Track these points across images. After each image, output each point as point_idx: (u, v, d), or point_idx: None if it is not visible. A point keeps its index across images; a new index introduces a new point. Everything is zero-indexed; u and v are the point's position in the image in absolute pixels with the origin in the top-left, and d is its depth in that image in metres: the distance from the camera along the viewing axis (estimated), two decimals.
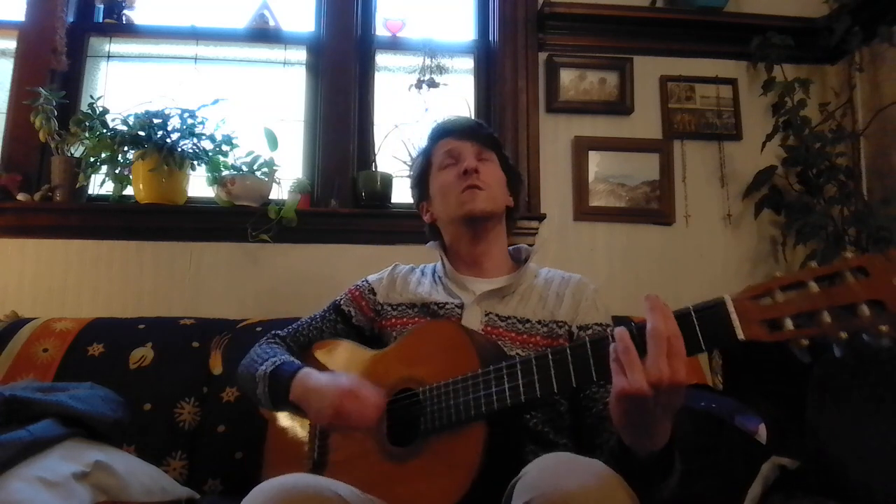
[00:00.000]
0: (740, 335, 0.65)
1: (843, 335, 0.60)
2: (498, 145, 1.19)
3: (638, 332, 0.68)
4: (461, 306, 1.07)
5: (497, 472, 0.77)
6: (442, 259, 1.15)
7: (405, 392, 0.91)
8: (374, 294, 1.17)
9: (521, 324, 1.04)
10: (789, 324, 0.63)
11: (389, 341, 1.07)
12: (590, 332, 1.03)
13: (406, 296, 1.13)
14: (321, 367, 1.06)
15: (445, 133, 1.16)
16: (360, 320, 1.16)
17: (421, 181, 1.19)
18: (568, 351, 0.76)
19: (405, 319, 1.09)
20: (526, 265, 1.11)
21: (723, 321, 0.66)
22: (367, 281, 1.20)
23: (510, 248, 1.19)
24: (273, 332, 1.18)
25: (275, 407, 1.04)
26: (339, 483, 0.79)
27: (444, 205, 1.12)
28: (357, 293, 1.18)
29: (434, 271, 1.19)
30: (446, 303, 1.08)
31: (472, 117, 1.25)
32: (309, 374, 0.98)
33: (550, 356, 0.77)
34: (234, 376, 1.19)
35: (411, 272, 1.20)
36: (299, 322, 1.19)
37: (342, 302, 1.18)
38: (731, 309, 0.66)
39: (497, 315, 1.04)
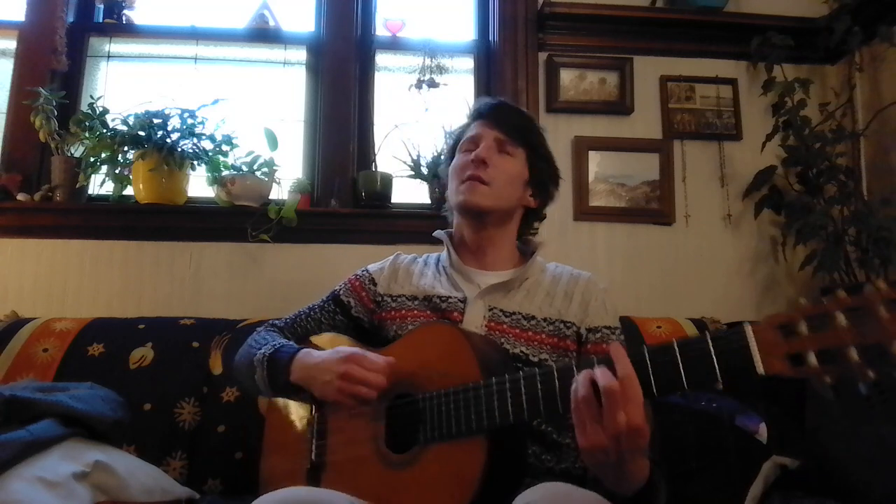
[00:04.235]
0: (760, 369, 0.61)
1: (872, 375, 0.55)
2: (529, 139, 1.11)
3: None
4: (464, 300, 1.04)
5: (500, 483, 0.77)
6: (448, 248, 1.12)
7: (403, 397, 0.89)
8: (375, 285, 1.13)
9: (527, 320, 1.01)
10: (813, 359, 0.58)
11: (388, 334, 1.05)
12: (598, 335, 1.01)
13: (407, 287, 1.10)
14: None
15: (478, 115, 1.13)
16: (359, 311, 1.13)
17: (449, 155, 1.17)
18: (574, 367, 0.73)
19: (404, 312, 1.06)
20: (533, 258, 1.08)
21: (741, 352, 0.62)
22: (367, 270, 1.17)
23: (519, 241, 1.16)
24: (270, 321, 1.15)
25: (274, 392, 1.01)
26: (338, 494, 0.79)
27: (450, 187, 1.11)
28: (357, 283, 1.15)
29: (438, 261, 1.16)
30: (449, 296, 1.04)
31: (515, 105, 1.19)
32: (309, 353, 0.96)
33: (556, 372, 0.74)
34: (233, 376, 1.16)
35: (413, 262, 1.16)
36: (297, 312, 1.16)
37: (342, 292, 1.15)
38: (752, 340, 0.62)
39: (501, 310, 1.02)
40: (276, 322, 1.14)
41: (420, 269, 1.14)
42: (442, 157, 1.22)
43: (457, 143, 1.14)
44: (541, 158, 1.13)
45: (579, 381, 0.68)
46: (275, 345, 1.00)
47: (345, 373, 0.88)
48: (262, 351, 1.00)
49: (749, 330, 0.62)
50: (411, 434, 0.84)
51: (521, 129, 1.10)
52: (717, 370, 0.63)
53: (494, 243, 1.09)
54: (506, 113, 1.12)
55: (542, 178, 1.13)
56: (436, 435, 0.81)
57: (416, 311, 1.05)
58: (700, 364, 0.64)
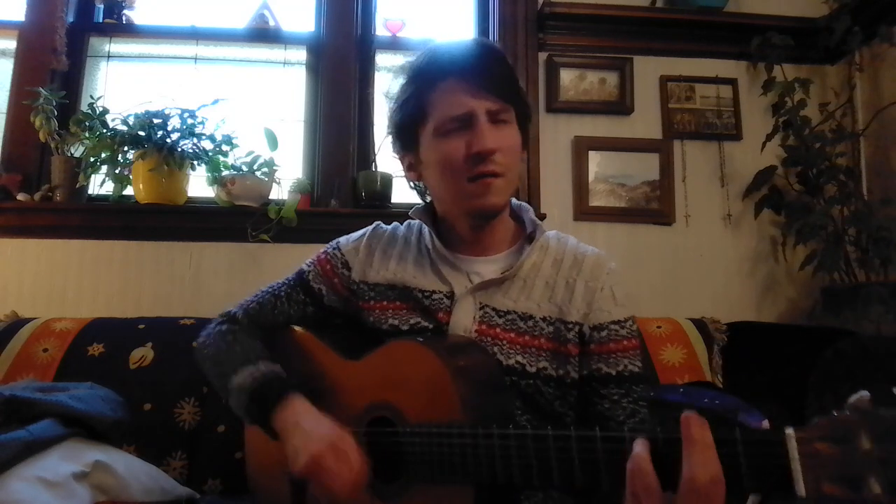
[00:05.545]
0: (801, 491, 0.49)
1: None
2: (517, 96, 0.90)
3: (664, 446, 0.57)
4: (451, 296, 0.91)
5: None
6: (430, 235, 0.96)
7: (379, 420, 0.83)
8: (349, 269, 0.99)
9: (523, 321, 0.88)
10: (875, 485, 0.45)
11: (366, 324, 0.95)
12: (604, 332, 0.88)
13: (384, 274, 0.96)
14: (287, 365, 0.93)
15: (449, 73, 0.87)
16: (332, 300, 1.00)
17: (404, 131, 0.92)
18: (573, 440, 0.64)
19: (385, 303, 0.94)
20: (531, 246, 0.93)
21: (777, 465, 0.51)
22: (339, 248, 1.01)
23: (512, 203, 0.98)
24: (227, 311, 1.02)
25: (250, 423, 0.90)
26: None
27: (442, 184, 0.90)
28: (328, 265, 1.00)
29: (420, 237, 1.00)
30: (433, 291, 0.92)
31: (480, 39, 0.96)
32: (296, 412, 0.83)
33: (552, 441, 0.66)
34: (198, 365, 1.01)
35: (393, 239, 1.01)
36: (260, 296, 1.02)
37: (311, 276, 1.00)
38: (794, 452, 0.50)
39: (494, 309, 0.89)
40: (235, 313, 1.00)
41: (400, 248, 0.99)
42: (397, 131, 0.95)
43: (415, 117, 0.89)
44: (525, 108, 0.93)
45: (636, 461, 0.58)
46: (254, 373, 0.87)
47: (319, 461, 0.76)
48: (240, 379, 0.87)
49: (792, 436, 0.51)
50: (393, 462, 0.80)
51: (510, 85, 0.89)
52: (744, 482, 0.54)
53: (495, 229, 0.95)
54: (488, 65, 0.87)
55: (527, 126, 0.95)
56: (421, 474, 0.76)
57: (397, 303, 0.93)
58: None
